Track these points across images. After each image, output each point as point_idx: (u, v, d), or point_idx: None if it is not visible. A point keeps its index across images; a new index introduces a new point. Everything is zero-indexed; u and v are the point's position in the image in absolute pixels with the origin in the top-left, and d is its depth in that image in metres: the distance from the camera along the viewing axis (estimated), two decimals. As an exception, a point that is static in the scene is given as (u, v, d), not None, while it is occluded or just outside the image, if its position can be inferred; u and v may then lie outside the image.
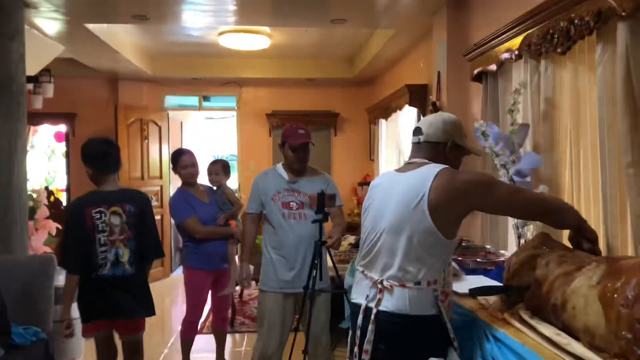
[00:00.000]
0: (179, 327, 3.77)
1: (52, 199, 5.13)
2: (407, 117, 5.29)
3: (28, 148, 5.46)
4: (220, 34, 5.43)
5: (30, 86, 5.41)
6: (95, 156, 2.88)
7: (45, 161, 8.18)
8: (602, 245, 2.10)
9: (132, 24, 4.72)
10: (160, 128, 7.21)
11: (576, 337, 1.65)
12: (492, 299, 2.22)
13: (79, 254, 2.77)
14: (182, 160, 3.63)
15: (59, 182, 7.89)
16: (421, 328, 1.83)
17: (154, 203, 7.08)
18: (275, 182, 3.16)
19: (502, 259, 2.82)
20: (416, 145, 2.02)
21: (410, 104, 4.76)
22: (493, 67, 3.14)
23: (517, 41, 2.83)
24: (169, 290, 6.71)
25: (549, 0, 2.47)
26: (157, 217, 6.92)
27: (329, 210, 2.98)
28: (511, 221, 2.85)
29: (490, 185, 1.86)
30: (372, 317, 1.85)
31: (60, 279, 3.64)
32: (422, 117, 4.82)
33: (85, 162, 2.89)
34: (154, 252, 3.05)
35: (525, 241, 2.70)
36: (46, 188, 5.52)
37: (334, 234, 3.05)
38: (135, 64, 6.05)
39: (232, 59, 6.80)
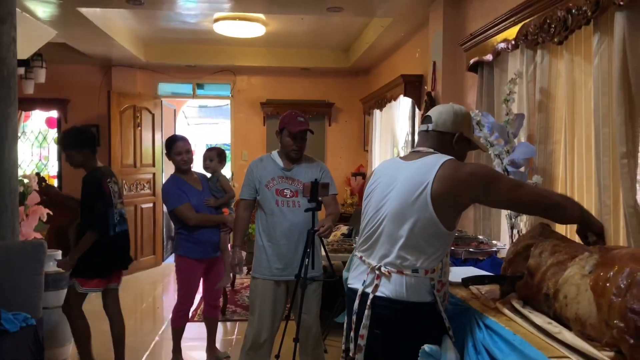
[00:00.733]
0: (170, 315, 3.76)
1: (43, 185, 5.08)
2: (402, 107, 5.28)
3: (19, 134, 5.42)
4: (216, 20, 5.38)
5: (21, 71, 5.35)
6: (91, 139, 3.49)
7: (37, 147, 8.11)
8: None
9: (126, 9, 4.67)
10: (153, 115, 7.15)
11: (567, 326, 1.65)
12: (485, 288, 2.22)
13: (106, 215, 3.35)
14: (176, 146, 3.60)
15: (51, 169, 7.84)
16: (417, 315, 1.83)
17: (147, 191, 7.05)
18: (270, 169, 3.14)
19: (494, 249, 2.82)
20: (424, 134, 2.01)
21: (406, 95, 4.75)
22: (489, 57, 3.13)
23: (513, 31, 2.82)
24: (161, 278, 6.70)
25: (547, -11, 2.46)
26: (149, 205, 6.99)
27: (322, 199, 2.97)
28: (504, 212, 2.85)
29: (494, 179, 1.85)
30: (369, 302, 1.85)
31: (51, 265, 3.65)
32: (417, 108, 4.81)
33: (83, 146, 3.39)
34: None
35: (519, 232, 2.71)
36: (37, 174, 5.47)
37: (326, 222, 3.04)
38: (129, 50, 5.99)
39: (227, 47, 6.75)
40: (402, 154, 4.94)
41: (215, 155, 3.84)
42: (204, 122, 12.23)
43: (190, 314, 3.86)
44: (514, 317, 1.84)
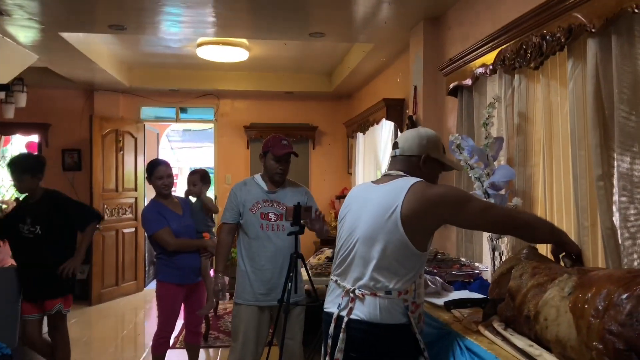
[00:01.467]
0: (151, 342, 3.69)
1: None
2: (384, 131, 5.33)
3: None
4: (199, 45, 5.41)
5: (2, 95, 5.31)
6: (44, 165, 3.62)
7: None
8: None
9: (108, 34, 4.67)
10: (136, 139, 7.12)
11: (548, 349, 1.66)
12: (467, 311, 2.22)
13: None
14: (157, 170, 3.58)
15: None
16: (391, 337, 1.84)
17: (129, 215, 6.98)
18: (254, 192, 3.13)
19: (476, 271, 2.83)
20: (393, 159, 2.08)
21: (388, 118, 4.80)
22: (468, 81, 3.18)
23: (491, 56, 2.88)
24: (142, 304, 6.59)
25: (522, 16, 2.53)
26: (131, 230, 6.91)
27: (305, 223, 2.97)
28: (486, 234, 2.87)
29: (462, 200, 1.87)
30: (344, 325, 1.86)
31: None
32: (399, 131, 4.86)
33: (41, 171, 3.52)
34: None
35: (500, 254, 2.73)
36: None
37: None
38: (112, 74, 5.98)
39: (210, 71, 6.78)
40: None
41: (198, 179, 3.82)
42: (187, 145, 12.21)
43: (171, 341, 3.78)
44: (496, 340, 1.84)
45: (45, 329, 3.63)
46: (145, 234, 3.82)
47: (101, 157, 6.56)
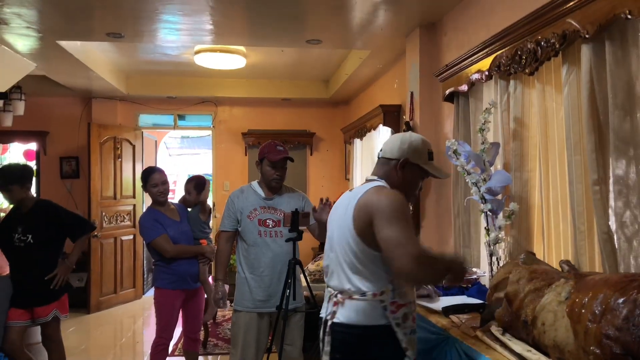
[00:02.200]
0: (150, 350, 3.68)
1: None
2: (381, 136, 5.34)
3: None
4: (196, 52, 5.43)
5: (0, 103, 5.32)
6: (32, 175, 3.60)
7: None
8: (571, 260, 2.13)
9: (106, 42, 4.69)
10: (134, 147, 7.13)
11: (546, 353, 1.66)
12: (465, 316, 2.23)
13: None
14: (152, 178, 3.58)
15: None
16: (373, 338, 1.87)
17: (127, 222, 6.98)
18: (251, 199, 3.14)
19: (474, 276, 2.84)
20: (377, 162, 2.09)
21: (385, 124, 4.81)
22: (464, 87, 3.20)
23: (486, 62, 2.90)
24: (141, 312, 6.57)
25: (517, 22, 2.55)
26: (130, 237, 6.91)
27: (303, 229, 2.97)
28: (483, 239, 2.88)
29: (391, 217, 1.78)
30: (327, 329, 1.93)
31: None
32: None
33: (29, 181, 3.51)
34: None
35: (498, 259, 2.73)
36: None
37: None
38: (110, 82, 5.99)
39: (208, 78, 6.79)
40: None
41: (192, 188, 3.78)
42: (185, 152, 12.22)
43: (170, 348, 3.77)
44: (494, 345, 1.85)
45: (39, 338, 3.61)
46: (144, 242, 3.81)
47: (99, 164, 6.56)
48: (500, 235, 2.69)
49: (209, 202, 4.45)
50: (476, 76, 3.02)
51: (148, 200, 6.77)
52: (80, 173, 6.92)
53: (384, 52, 4.81)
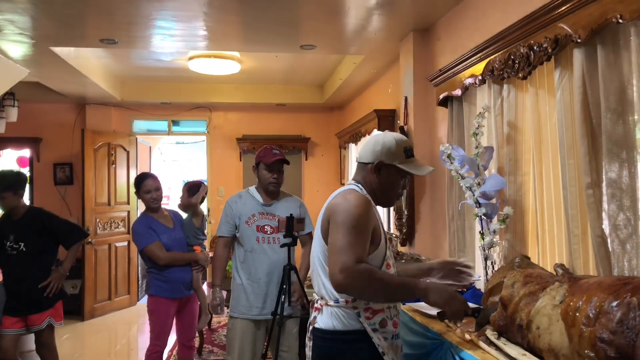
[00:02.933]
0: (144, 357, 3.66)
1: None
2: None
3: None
4: (190, 58, 5.43)
5: (-7, 110, 5.30)
6: (25, 181, 3.61)
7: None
8: (565, 264, 2.13)
9: (100, 48, 4.68)
10: (128, 153, 7.10)
11: (541, 357, 1.66)
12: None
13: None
14: (145, 184, 3.56)
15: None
16: (349, 343, 1.88)
17: (121, 229, 6.95)
18: (250, 205, 3.12)
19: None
20: (356, 167, 2.07)
21: (379, 129, 4.81)
22: (458, 91, 3.21)
23: (480, 67, 2.91)
24: (136, 319, 6.53)
25: (509, 27, 2.56)
26: (124, 244, 6.87)
27: (297, 234, 2.97)
28: (477, 243, 2.88)
29: (341, 221, 1.78)
30: (309, 334, 1.96)
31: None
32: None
33: (22, 187, 3.52)
34: None
35: (492, 263, 2.73)
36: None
37: (297, 290, 3.04)
38: (103, 88, 5.98)
39: (202, 84, 6.79)
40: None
41: (185, 190, 3.75)
42: (180, 158, 12.17)
43: (165, 355, 3.75)
44: (489, 350, 1.85)
45: (32, 345, 3.59)
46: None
47: (93, 170, 6.54)
48: (494, 239, 2.70)
49: (204, 207, 4.43)
50: (470, 81, 3.03)
51: (142, 207, 6.76)
52: (74, 179, 6.89)
53: (378, 57, 4.83)
